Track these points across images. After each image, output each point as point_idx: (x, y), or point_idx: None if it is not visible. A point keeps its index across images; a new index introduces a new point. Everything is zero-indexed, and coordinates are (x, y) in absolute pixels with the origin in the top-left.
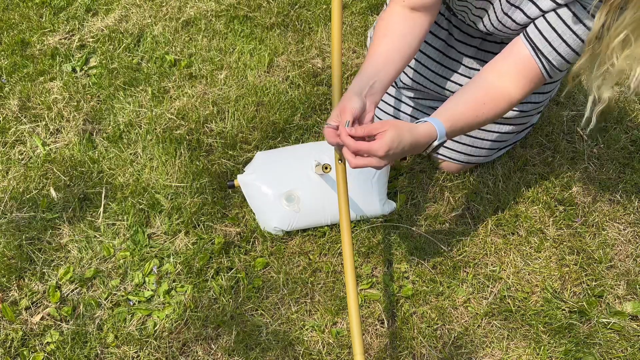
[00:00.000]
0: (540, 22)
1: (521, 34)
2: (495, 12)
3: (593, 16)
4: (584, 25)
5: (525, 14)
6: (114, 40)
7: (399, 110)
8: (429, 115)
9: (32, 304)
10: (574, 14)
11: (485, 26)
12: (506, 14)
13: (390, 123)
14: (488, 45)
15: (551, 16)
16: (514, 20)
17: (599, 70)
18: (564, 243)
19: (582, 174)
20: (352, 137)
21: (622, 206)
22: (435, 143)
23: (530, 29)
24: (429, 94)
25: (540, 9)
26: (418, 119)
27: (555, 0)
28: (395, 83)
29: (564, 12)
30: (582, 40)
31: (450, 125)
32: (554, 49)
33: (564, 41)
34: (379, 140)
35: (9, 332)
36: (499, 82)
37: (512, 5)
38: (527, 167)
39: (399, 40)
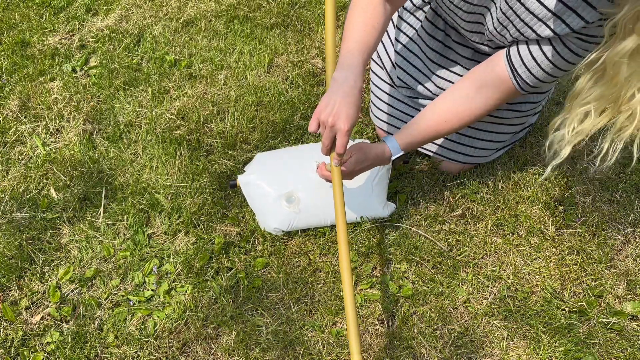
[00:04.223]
0: (523, 49)
1: (504, 52)
2: (487, 28)
3: (575, 53)
4: (563, 59)
5: (512, 36)
6: (114, 40)
7: (397, 109)
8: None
9: (32, 304)
10: (554, 49)
11: (477, 40)
12: (495, 34)
13: (356, 146)
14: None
15: (533, 47)
16: (501, 40)
17: (561, 129)
18: (564, 243)
19: (582, 174)
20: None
21: (622, 206)
22: (393, 157)
23: (513, 52)
24: (426, 94)
25: (524, 37)
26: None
27: (537, 34)
28: (394, 82)
29: (546, 47)
30: (559, 68)
31: (407, 144)
32: (532, 74)
33: (542, 69)
34: (345, 166)
35: (9, 332)
36: (474, 95)
37: (502, 24)
38: (527, 167)
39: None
